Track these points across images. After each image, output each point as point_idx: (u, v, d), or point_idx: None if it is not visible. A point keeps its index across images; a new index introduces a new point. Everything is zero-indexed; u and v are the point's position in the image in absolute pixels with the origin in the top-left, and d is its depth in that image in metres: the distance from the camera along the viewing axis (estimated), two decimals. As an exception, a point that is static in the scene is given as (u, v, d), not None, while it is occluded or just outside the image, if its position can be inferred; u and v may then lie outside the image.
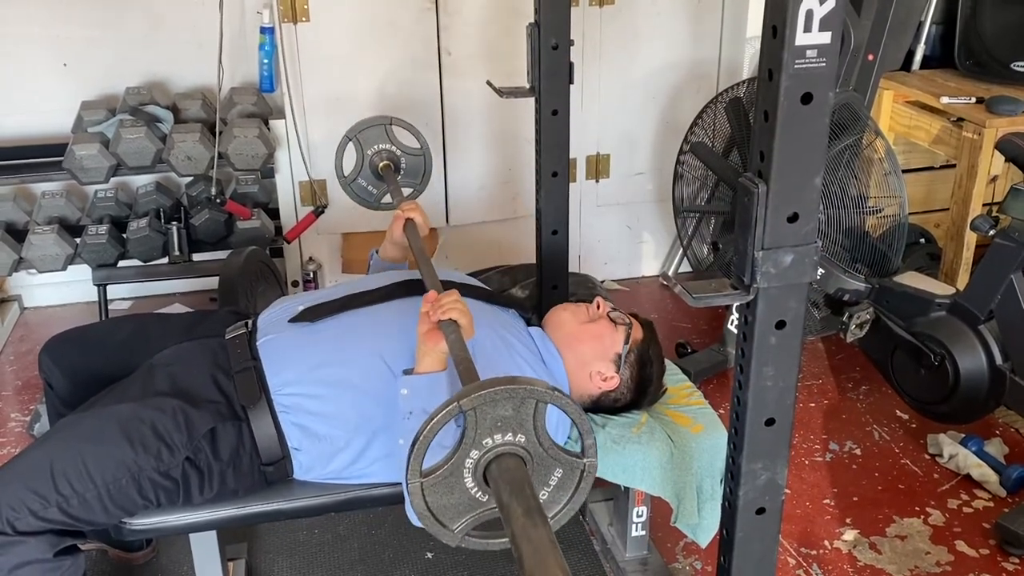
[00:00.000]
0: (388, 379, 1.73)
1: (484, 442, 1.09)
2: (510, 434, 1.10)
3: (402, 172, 2.35)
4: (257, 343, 1.81)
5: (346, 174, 2.33)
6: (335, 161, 2.33)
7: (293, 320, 1.83)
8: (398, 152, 2.34)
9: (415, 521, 1.48)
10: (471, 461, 1.10)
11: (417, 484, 1.10)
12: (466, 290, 1.93)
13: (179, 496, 1.70)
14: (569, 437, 1.87)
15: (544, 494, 1.16)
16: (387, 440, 1.74)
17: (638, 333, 1.92)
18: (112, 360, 1.92)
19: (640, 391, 1.93)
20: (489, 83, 2.37)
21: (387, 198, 2.37)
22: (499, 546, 1.16)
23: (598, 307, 1.93)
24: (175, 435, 1.66)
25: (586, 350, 1.87)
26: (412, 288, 1.89)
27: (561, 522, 1.19)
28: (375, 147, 2.32)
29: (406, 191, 2.34)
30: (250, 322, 1.89)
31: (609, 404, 1.93)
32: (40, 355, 1.97)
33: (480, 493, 1.13)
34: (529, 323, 1.98)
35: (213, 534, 1.92)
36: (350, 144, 2.31)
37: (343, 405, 1.74)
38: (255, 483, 1.76)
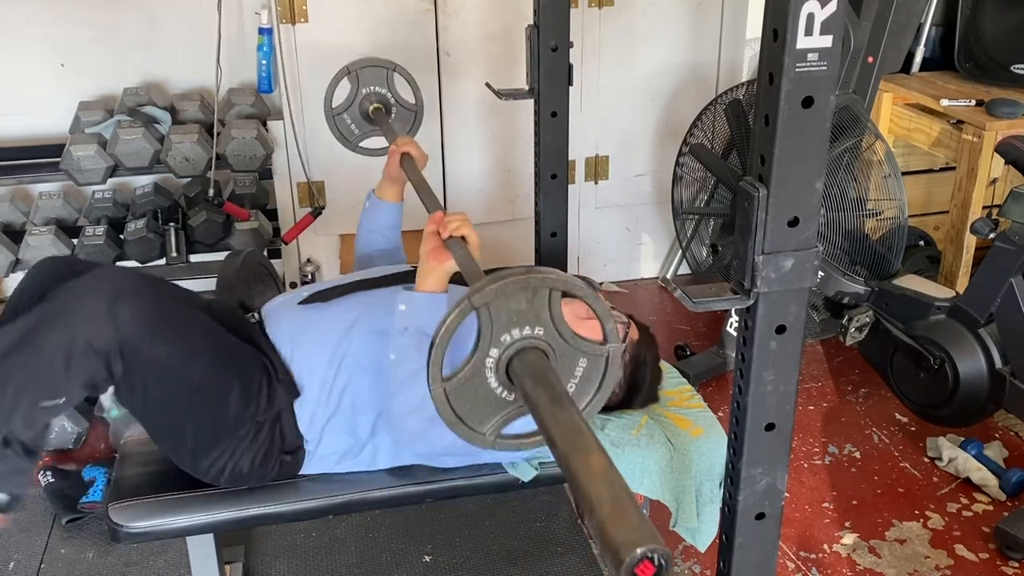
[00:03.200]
0: (378, 366, 1.72)
1: (502, 339, 1.06)
2: (528, 328, 1.07)
3: (391, 119, 2.31)
4: (267, 330, 1.82)
5: (334, 106, 2.29)
6: (326, 90, 2.28)
7: (303, 303, 1.83)
8: (391, 100, 2.31)
9: (410, 441, 1.50)
10: (491, 360, 1.07)
11: (440, 390, 1.07)
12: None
13: (229, 444, 1.70)
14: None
15: (571, 386, 1.13)
16: (383, 427, 1.74)
17: (635, 333, 1.91)
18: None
19: (632, 391, 1.92)
20: (488, 85, 2.36)
21: (366, 142, 2.33)
22: (532, 445, 1.14)
23: None
24: (265, 400, 1.69)
25: None
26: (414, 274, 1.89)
27: (592, 412, 1.16)
28: (370, 88, 2.29)
29: (381, 143, 2.30)
30: (256, 314, 1.89)
31: None
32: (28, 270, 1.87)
33: (505, 392, 1.10)
34: None
35: (210, 537, 1.91)
36: (346, 79, 2.28)
37: (345, 383, 1.74)
38: (267, 473, 1.76)
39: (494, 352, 1.07)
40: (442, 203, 3.29)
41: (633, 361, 1.90)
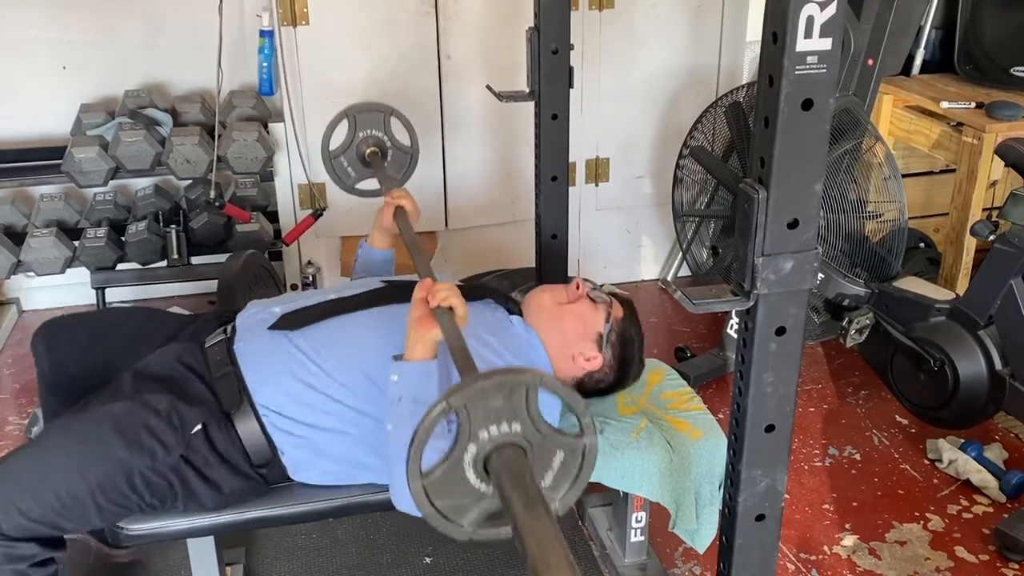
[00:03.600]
0: (368, 392, 1.72)
1: (480, 435, 1.08)
2: (505, 424, 1.09)
3: (385, 164, 2.33)
4: (235, 347, 1.81)
5: (331, 148, 2.30)
6: (324, 133, 2.29)
7: (272, 327, 1.82)
8: (388, 144, 2.32)
9: (410, 511, 1.47)
10: (470, 456, 1.09)
11: (419, 486, 1.09)
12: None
13: (180, 498, 1.70)
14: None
15: (548, 479, 1.14)
16: (374, 446, 1.74)
17: (618, 311, 1.91)
18: (100, 353, 1.90)
19: (623, 371, 1.93)
20: (489, 87, 2.37)
21: (362, 184, 2.34)
22: (505, 535, 1.14)
23: (577, 287, 1.92)
24: (168, 433, 1.66)
25: (568, 331, 1.86)
26: (393, 294, 1.88)
27: (568, 503, 1.17)
28: (368, 131, 2.30)
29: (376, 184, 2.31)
30: (229, 327, 1.88)
31: (592, 386, 1.92)
32: (33, 336, 1.93)
33: (484, 486, 1.11)
34: (511, 311, 1.95)
35: (211, 539, 1.91)
36: (344, 121, 2.29)
37: (323, 413, 1.74)
38: (257, 485, 1.76)
39: (472, 448, 1.08)
40: (444, 211, 3.32)
41: (620, 339, 1.90)
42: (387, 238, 2.14)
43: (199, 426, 1.69)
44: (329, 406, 1.73)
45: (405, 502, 1.62)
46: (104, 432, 1.64)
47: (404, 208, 2.04)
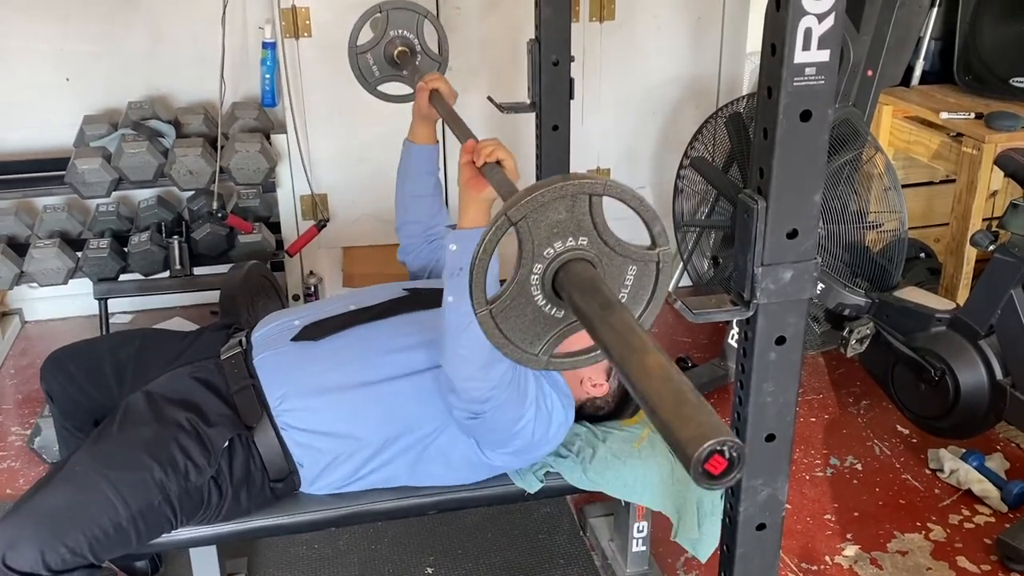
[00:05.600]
0: (390, 399, 1.73)
1: (545, 253, 1.02)
2: (570, 239, 1.02)
3: (415, 64, 2.26)
4: (254, 360, 1.81)
5: (359, 44, 2.24)
6: (354, 25, 2.22)
7: (295, 339, 1.82)
8: (418, 47, 2.26)
9: (466, 382, 1.49)
10: (536, 276, 1.03)
11: (486, 312, 1.02)
12: None
13: (198, 514, 1.71)
14: (566, 447, 1.87)
15: (623, 296, 1.08)
16: (393, 452, 1.75)
17: None
18: (111, 379, 1.93)
19: (622, 403, 1.95)
20: (490, 98, 2.38)
21: (384, 86, 2.29)
22: (587, 362, 1.10)
23: None
24: (199, 453, 1.67)
25: None
26: (414, 302, 1.89)
27: (647, 322, 1.10)
28: (398, 31, 2.23)
29: (405, 90, 2.25)
30: (244, 339, 1.89)
31: (591, 411, 1.93)
32: (42, 369, 1.97)
33: (554, 309, 1.06)
34: None
35: (213, 549, 1.92)
36: (378, 15, 2.22)
37: (346, 420, 1.74)
38: (265, 500, 1.77)
39: (538, 267, 1.02)
40: (444, 204, 3.31)
41: None
42: (428, 127, 2.08)
43: (226, 443, 1.70)
44: (350, 413, 1.75)
45: (462, 372, 1.58)
46: (138, 457, 1.65)
47: (439, 90, 1.99)
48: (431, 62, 2.29)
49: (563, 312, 1.06)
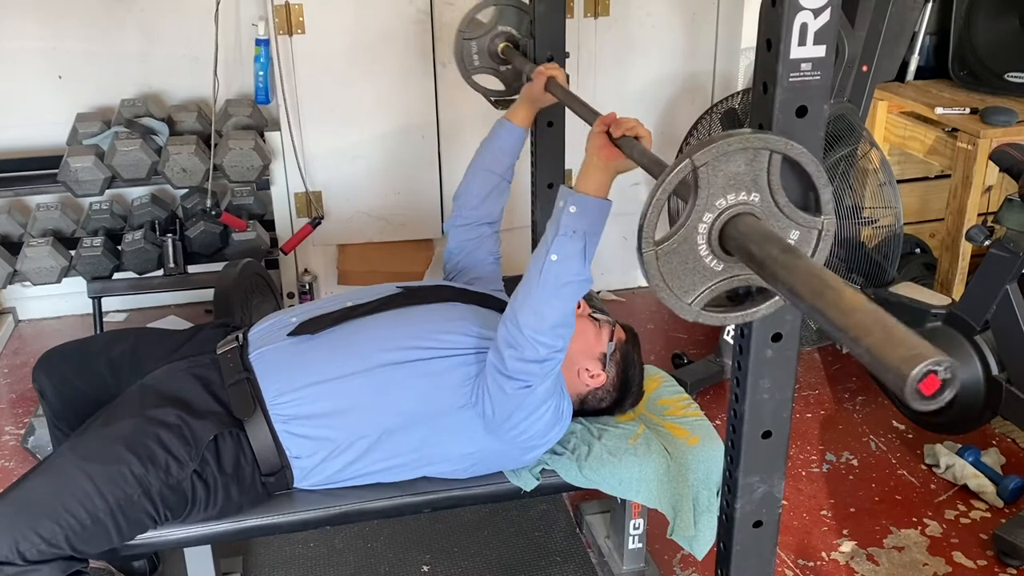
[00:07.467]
0: (388, 389, 1.73)
1: (717, 203, 1.02)
2: (744, 193, 1.03)
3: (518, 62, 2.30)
4: (250, 355, 1.81)
5: (465, 29, 2.31)
6: (470, 9, 2.30)
7: (292, 333, 1.83)
8: (522, 47, 2.32)
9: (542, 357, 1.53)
10: (704, 225, 1.04)
11: (652, 252, 1.04)
12: (456, 294, 1.94)
13: (185, 511, 1.70)
14: (562, 444, 1.87)
15: None
16: (388, 443, 1.75)
17: (621, 333, 1.93)
18: (105, 376, 1.92)
19: (623, 391, 1.94)
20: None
21: (479, 76, 2.35)
22: (735, 320, 1.11)
23: (579, 306, 1.93)
24: (181, 448, 1.66)
25: (573, 347, 1.87)
26: (410, 297, 1.90)
27: None
28: (507, 28, 2.30)
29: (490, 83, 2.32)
30: (240, 335, 1.89)
31: (595, 404, 1.93)
32: (34, 369, 1.96)
33: (715, 262, 1.07)
34: None
35: (208, 548, 1.91)
36: (492, 8, 2.29)
37: (342, 411, 1.74)
38: (258, 496, 1.76)
39: (707, 217, 1.02)
40: (440, 218, 3.32)
41: (623, 361, 1.92)
42: (530, 112, 2.11)
43: (211, 438, 1.69)
44: (348, 407, 1.74)
45: (537, 325, 1.60)
46: (118, 451, 1.64)
47: (556, 78, 2.03)
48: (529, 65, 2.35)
49: (722, 266, 1.07)
